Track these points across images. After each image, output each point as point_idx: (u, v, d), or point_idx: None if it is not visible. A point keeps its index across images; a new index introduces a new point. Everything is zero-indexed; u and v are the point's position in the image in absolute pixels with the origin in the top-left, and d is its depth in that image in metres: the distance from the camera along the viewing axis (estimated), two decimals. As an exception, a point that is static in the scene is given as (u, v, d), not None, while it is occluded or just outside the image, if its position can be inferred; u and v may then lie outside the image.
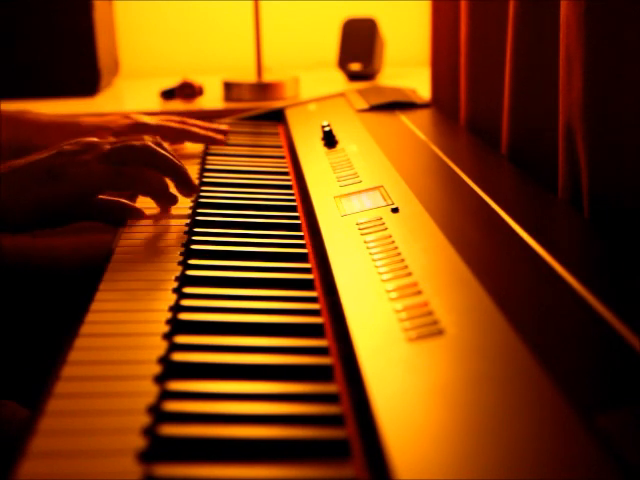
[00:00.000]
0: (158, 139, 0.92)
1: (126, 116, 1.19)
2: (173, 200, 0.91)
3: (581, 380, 0.49)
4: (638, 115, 0.75)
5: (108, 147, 0.88)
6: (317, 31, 2.09)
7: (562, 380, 0.48)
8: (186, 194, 0.92)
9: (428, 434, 0.47)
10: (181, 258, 0.78)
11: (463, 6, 1.19)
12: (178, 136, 1.20)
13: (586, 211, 0.80)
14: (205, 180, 1.05)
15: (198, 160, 1.16)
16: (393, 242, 0.73)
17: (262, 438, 0.51)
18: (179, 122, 1.22)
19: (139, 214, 0.91)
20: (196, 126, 1.23)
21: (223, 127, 1.27)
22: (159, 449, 0.50)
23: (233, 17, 2.05)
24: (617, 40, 0.75)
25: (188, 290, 0.71)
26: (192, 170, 1.10)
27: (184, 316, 0.66)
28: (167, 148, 0.92)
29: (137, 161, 0.88)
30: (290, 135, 1.26)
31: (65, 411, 0.54)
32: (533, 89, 0.97)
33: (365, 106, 1.32)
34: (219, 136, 1.23)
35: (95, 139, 0.89)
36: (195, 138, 1.21)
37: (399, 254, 0.70)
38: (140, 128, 1.16)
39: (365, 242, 0.75)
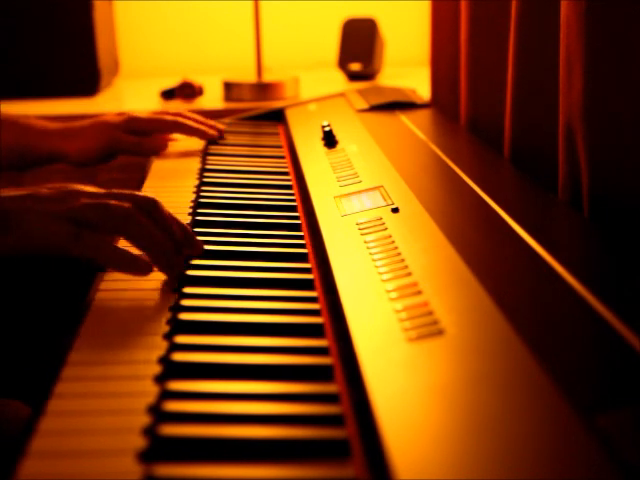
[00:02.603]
0: (153, 202, 0.76)
1: (120, 113, 1.21)
2: (145, 271, 0.74)
3: (581, 380, 0.49)
4: (638, 115, 0.75)
5: (83, 201, 0.74)
6: (317, 31, 2.09)
7: (562, 380, 0.48)
8: (163, 272, 0.75)
9: (428, 434, 0.47)
10: (181, 258, 0.78)
11: (463, 6, 1.19)
12: (170, 128, 1.23)
13: (586, 211, 0.80)
14: (205, 180, 1.05)
15: (198, 160, 1.16)
16: (393, 242, 0.73)
17: (262, 438, 0.51)
18: (174, 114, 1.23)
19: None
20: (191, 119, 1.24)
21: (220, 126, 1.27)
22: (159, 449, 0.50)
23: (233, 17, 2.05)
24: (617, 40, 0.75)
25: (188, 290, 0.71)
26: (192, 169, 1.10)
27: (184, 316, 0.66)
28: (160, 210, 0.76)
29: (106, 227, 0.73)
30: (290, 135, 1.26)
31: (65, 411, 0.54)
32: (535, 89, 0.97)
33: (365, 106, 1.32)
34: (211, 131, 1.24)
35: (79, 187, 0.76)
36: (187, 130, 1.23)
37: (399, 254, 0.70)
38: (132, 123, 1.19)
39: (365, 242, 0.75)
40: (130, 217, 0.73)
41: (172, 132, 1.24)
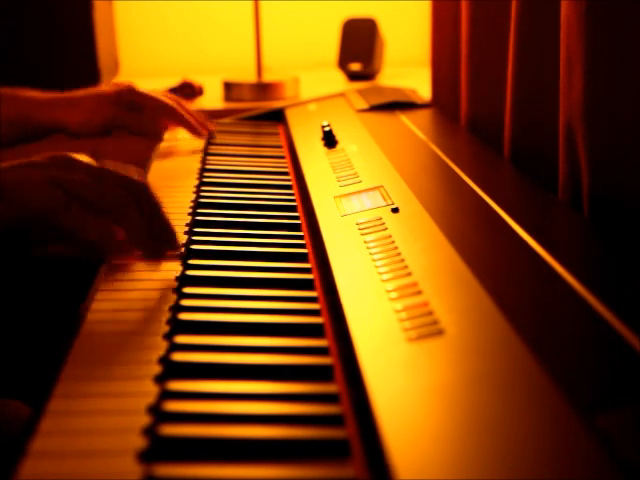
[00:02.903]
0: (145, 190, 0.75)
1: (119, 83, 1.22)
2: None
3: (581, 380, 0.49)
4: (638, 115, 0.75)
5: (79, 176, 0.73)
6: (317, 31, 2.09)
7: (562, 380, 0.48)
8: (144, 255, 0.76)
9: (428, 434, 0.47)
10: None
11: (463, 6, 1.19)
12: (166, 110, 1.23)
13: (586, 211, 0.80)
14: (205, 180, 1.05)
15: (198, 160, 1.16)
16: (393, 242, 0.73)
17: (262, 438, 0.51)
18: (173, 99, 1.25)
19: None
20: (187, 112, 1.24)
21: (211, 126, 1.27)
22: (159, 449, 0.50)
23: (233, 17, 2.05)
24: (618, 40, 0.75)
25: (188, 290, 0.71)
26: (192, 169, 1.10)
27: (184, 316, 0.66)
28: (152, 202, 0.76)
29: (96, 207, 0.72)
30: (290, 135, 1.26)
31: (65, 411, 0.54)
32: (535, 89, 0.97)
33: (365, 106, 1.32)
34: (201, 128, 1.24)
35: (75, 156, 0.75)
36: (180, 119, 1.23)
37: (399, 254, 0.70)
38: (128, 94, 1.20)
39: (365, 242, 0.75)
40: (121, 207, 0.73)
41: (165, 115, 1.23)
